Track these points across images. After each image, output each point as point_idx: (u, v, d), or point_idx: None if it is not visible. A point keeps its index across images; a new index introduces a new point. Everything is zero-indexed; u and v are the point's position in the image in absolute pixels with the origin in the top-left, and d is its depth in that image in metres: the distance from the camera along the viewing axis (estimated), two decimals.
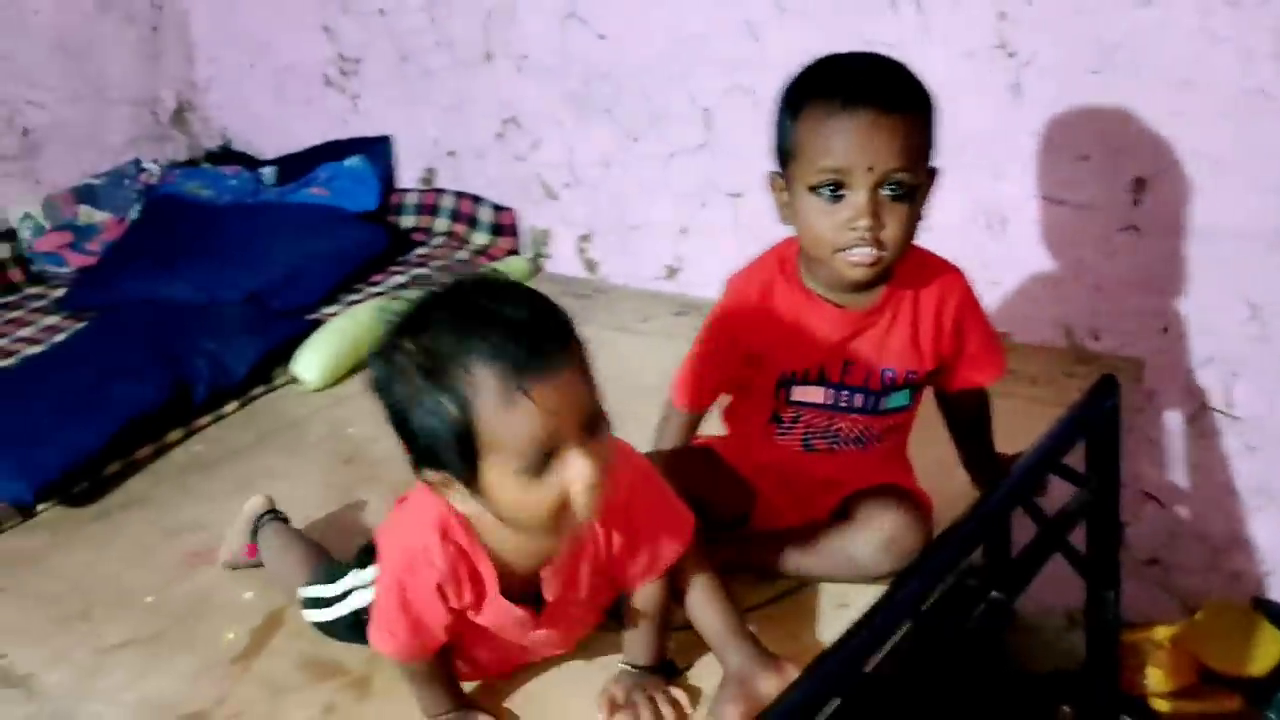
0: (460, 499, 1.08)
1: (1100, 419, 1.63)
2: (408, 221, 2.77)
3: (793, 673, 1.16)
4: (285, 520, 1.57)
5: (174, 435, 2.02)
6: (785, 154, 1.28)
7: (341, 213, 2.72)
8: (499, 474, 1.02)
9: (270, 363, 2.20)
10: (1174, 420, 1.84)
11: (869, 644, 1.18)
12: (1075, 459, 1.66)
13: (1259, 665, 1.76)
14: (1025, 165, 1.86)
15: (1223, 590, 1.86)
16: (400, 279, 2.53)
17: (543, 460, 1.01)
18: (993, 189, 1.89)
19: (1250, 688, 1.76)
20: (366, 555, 1.29)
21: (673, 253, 2.38)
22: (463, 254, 2.63)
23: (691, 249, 2.34)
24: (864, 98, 1.21)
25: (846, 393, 1.35)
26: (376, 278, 2.56)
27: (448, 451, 1.02)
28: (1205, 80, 1.66)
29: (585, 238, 2.53)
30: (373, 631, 1.20)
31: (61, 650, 1.50)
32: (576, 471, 1.02)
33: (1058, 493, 1.64)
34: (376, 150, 2.85)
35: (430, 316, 1.04)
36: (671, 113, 2.27)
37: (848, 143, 1.21)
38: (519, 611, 1.18)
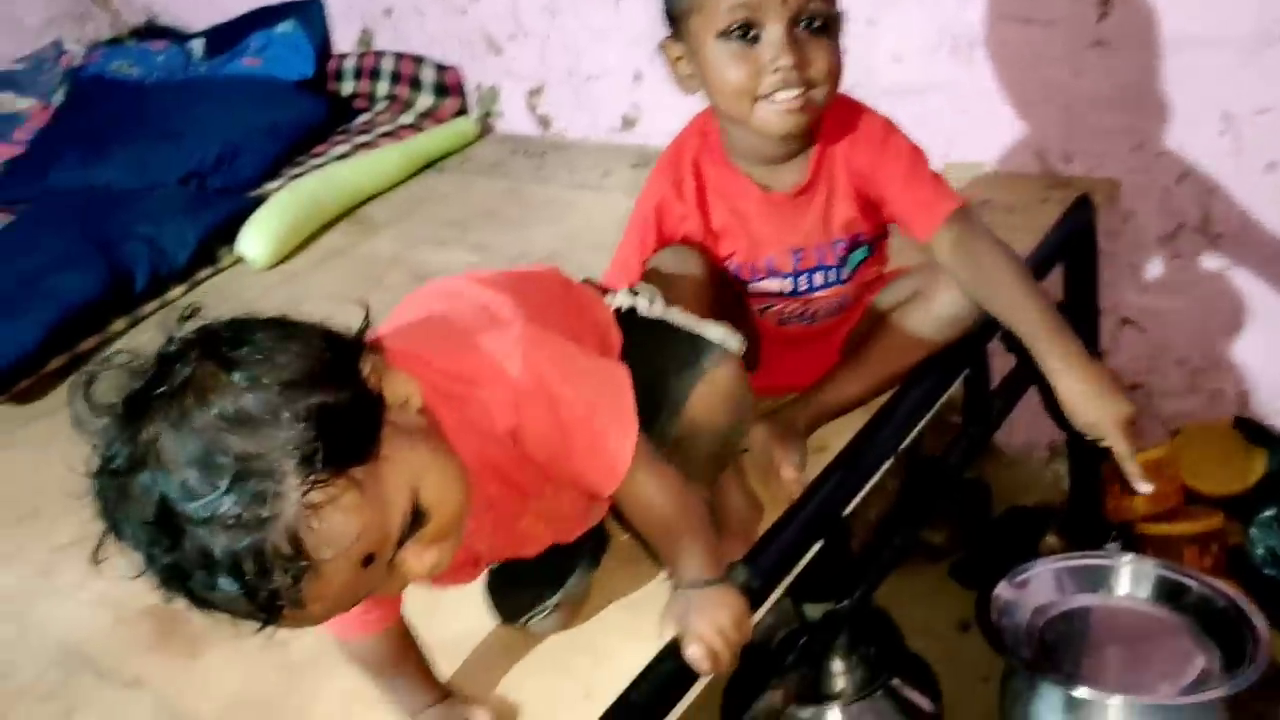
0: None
1: (1075, 241, 1.57)
2: (347, 88, 2.65)
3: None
4: None
5: (118, 325, 1.95)
6: (682, 9, 1.13)
7: (277, 83, 2.60)
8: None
9: (213, 244, 2.11)
10: (1151, 242, 1.78)
11: (849, 485, 1.14)
12: (1053, 288, 1.62)
13: (1240, 483, 1.74)
14: None
15: (1204, 411, 1.83)
16: (343, 149, 2.42)
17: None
18: (957, 12, 1.79)
19: (1232, 505, 1.75)
20: None
21: (628, 101, 2.27)
22: (407, 118, 2.51)
23: (648, 96, 2.23)
24: None
25: (805, 276, 1.25)
26: (318, 149, 2.45)
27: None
28: None
29: (535, 92, 2.42)
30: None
31: (13, 551, 1.46)
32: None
33: None
34: (309, 13, 2.71)
35: None
36: None
37: None
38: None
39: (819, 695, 1.50)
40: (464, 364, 0.87)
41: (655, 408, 1.01)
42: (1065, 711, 1.40)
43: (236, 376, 0.71)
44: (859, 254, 1.26)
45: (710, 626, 0.92)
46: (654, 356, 1.04)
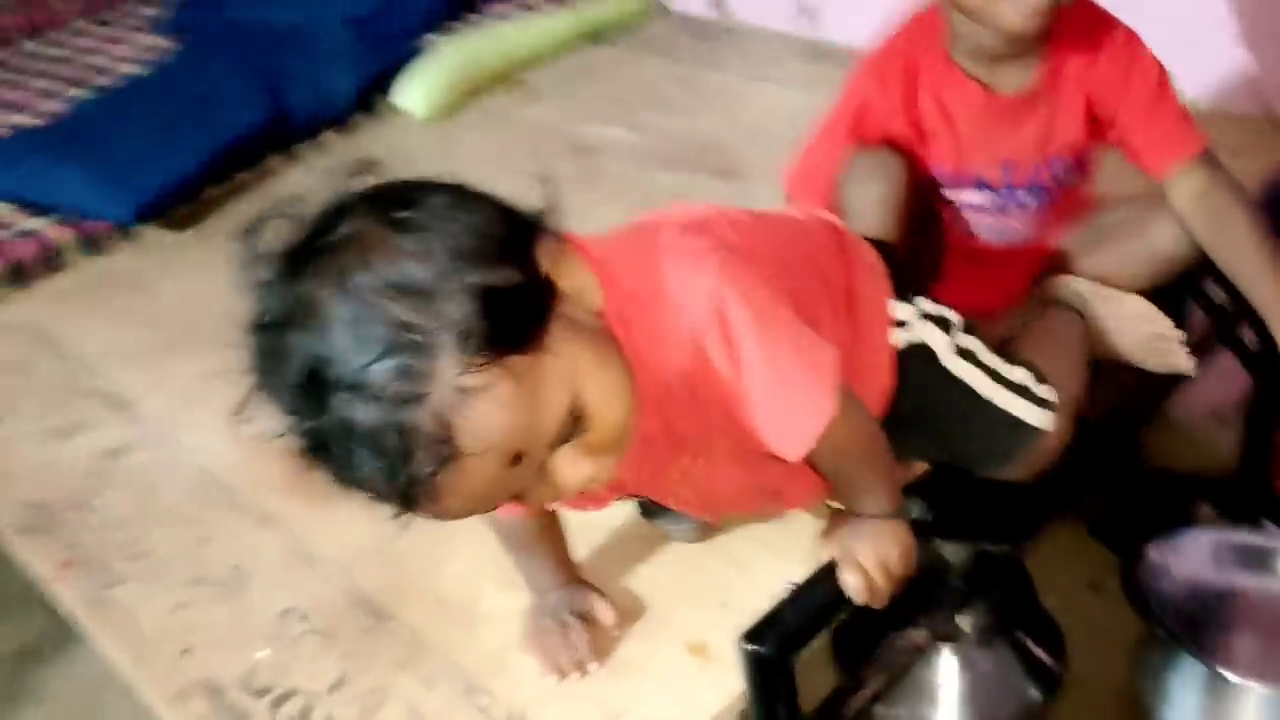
0: None
1: None
2: None
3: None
4: None
5: (273, 162, 1.97)
6: None
7: None
8: None
9: (371, 92, 2.10)
10: None
11: None
12: None
13: None
14: None
15: None
16: (504, 7, 2.36)
17: None
18: None
19: None
20: None
21: None
22: None
23: None
24: None
25: (1010, 193, 1.17)
26: (481, 5, 2.39)
27: None
28: None
29: None
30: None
31: (164, 375, 1.48)
32: None
33: None
34: None
35: None
36: None
37: None
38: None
39: (939, 635, 1.44)
40: (643, 280, 0.79)
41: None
42: (1205, 692, 1.33)
43: (403, 240, 0.65)
44: (1071, 177, 1.17)
45: (874, 558, 0.87)
46: (943, 415, 0.99)
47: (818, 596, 0.87)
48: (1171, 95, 1.10)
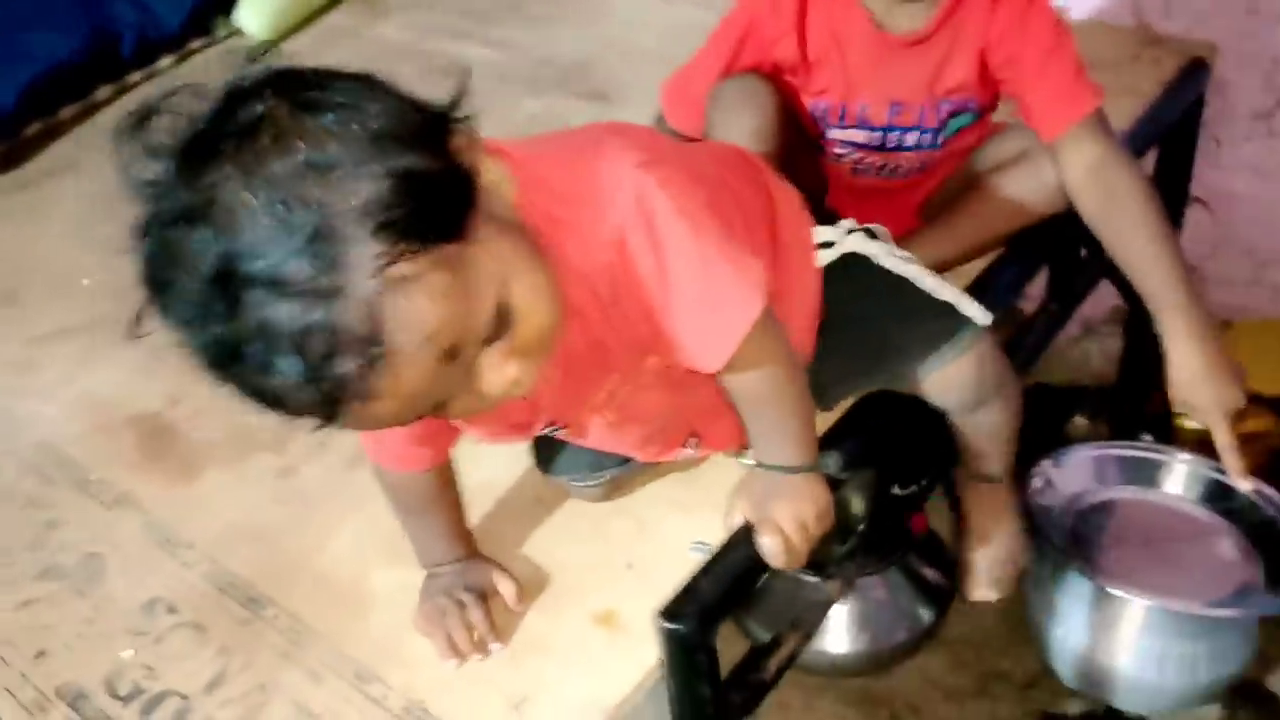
0: None
1: (1184, 116, 1.43)
2: None
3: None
4: None
5: (102, 93, 1.81)
6: None
7: None
8: None
9: (207, 12, 1.92)
10: (1242, 117, 1.64)
11: None
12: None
13: None
14: None
15: (1264, 307, 1.74)
16: None
17: None
18: None
19: None
20: None
21: None
22: None
23: None
24: None
25: (897, 134, 1.12)
26: None
27: None
28: None
29: None
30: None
31: None
32: None
33: None
34: None
35: None
36: None
37: None
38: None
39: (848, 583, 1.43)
40: (569, 179, 0.75)
41: (868, 368, 0.95)
42: (1093, 606, 1.35)
43: (322, 119, 0.60)
44: (962, 120, 1.13)
45: (791, 518, 0.83)
46: (880, 310, 0.94)
47: (734, 564, 0.83)
48: (1068, 49, 1.05)
